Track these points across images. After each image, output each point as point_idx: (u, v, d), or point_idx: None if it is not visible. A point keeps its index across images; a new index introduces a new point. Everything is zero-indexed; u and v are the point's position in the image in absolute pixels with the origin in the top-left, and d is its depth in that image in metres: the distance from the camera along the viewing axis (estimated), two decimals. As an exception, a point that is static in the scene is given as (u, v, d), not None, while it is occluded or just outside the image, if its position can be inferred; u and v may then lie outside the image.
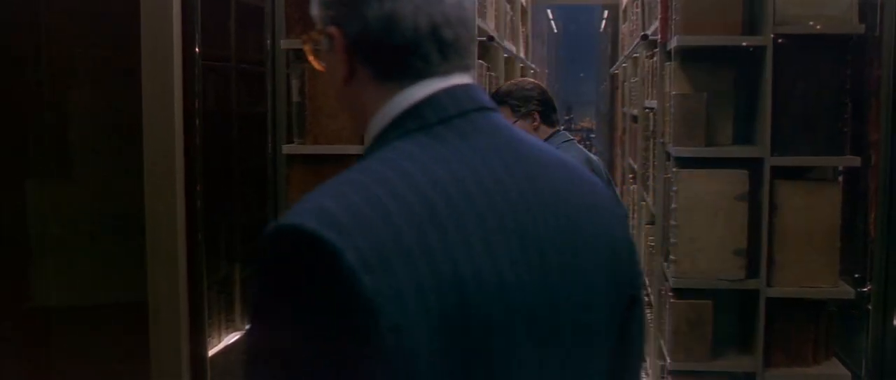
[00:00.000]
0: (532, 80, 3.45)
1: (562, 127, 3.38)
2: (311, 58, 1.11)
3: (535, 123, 3.33)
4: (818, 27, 3.57)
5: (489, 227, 0.95)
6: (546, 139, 3.33)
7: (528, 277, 0.98)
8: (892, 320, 3.44)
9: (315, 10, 1.09)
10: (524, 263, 0.97)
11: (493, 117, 1.06)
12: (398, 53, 1.03)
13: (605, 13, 14.37)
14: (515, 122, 3.28)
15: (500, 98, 3.33)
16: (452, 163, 0.98)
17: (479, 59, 4.03)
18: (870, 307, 3.59)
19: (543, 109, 3.34)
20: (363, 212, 0.90)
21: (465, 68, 1.06)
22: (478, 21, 3.98)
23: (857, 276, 3.90)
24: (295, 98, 3.54)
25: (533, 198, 1.01)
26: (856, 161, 3.64)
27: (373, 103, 1.07)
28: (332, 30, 1.05)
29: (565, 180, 1.07)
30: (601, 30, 16.37)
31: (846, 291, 3.65)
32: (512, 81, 3.47)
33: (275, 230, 0.90)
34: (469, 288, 0.91)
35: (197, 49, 2.50)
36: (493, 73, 4.92)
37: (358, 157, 1.15)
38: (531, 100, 3.31)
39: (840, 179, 3.85)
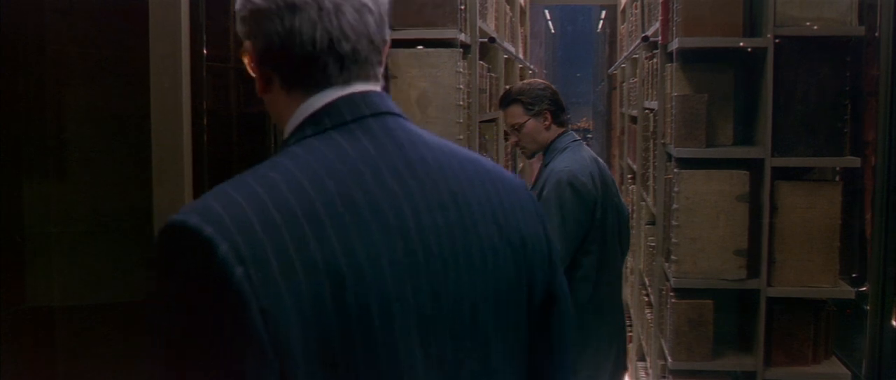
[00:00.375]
0: (542, 80, 3.49)
1: (570, 127, 3.39)
2: (247, 67, 1.19)
3: (547, 123, 3.35)
4: (816, 28, 3.59)
5: (369, 223, 1.04)
6: (556, 139, 3.36)
7: (410, 270, 1.06)
8: (889, 320, 3.46)
9: (238, 26, 1.18)
10: (406, 257, 1.06)
11: (390, 122, 1.14)
12: (299, 65, 1.12)
13: (603, 14, 14.40)
14: (527, 120, 3.33)
15: (512, 97, 3.36)
16: (336, 164, 1.06)
17: (480, 60, 4.06)
18: (867, 307, 3.61)
19: (555, 109, 3.36)
20: (242, 209, 1.00)
21: (366, 77, 1.15)
22: (479, 23, 4.00)
23: (854, 275, 3.93)
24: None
25: (420, 197, 1.09)
26: (856, 162, 3.67)
27: (285, 110, 1.16)
28: (247, 44, 1.16)
29: (465, 182, 1.15)
30: (598, 30, 16.40)
31: (846, 290, 3.68)
32: (524, 81, 3.51)
33: (166, 226, 1.00)
34: (345, 277, 1.00)
35: (204, 50, 2.52)
36: (493, 74, 4.94)
37: None
38: (544, 100, 3.34)
39: (837, 178, 3.88)
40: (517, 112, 3.35)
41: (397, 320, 1.04)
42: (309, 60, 1.11)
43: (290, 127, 1.15)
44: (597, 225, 3.24)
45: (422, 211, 1.09)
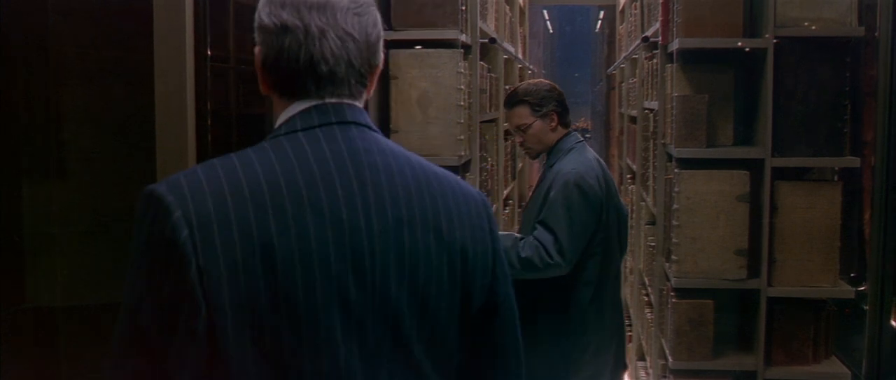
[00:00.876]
0: (548, 81, 3.49)
1: (575, 131, 3.45)
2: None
3: (553, 124, 3.35)
4: (816, 29, 3.60)
5: (305, 210, 1.22)
6: (560, 140, 3.36)
7: (337, 257, 1.23)
8: (888, 320, 3.47)
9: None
10: (335, 246, 1.23)
11: (354, 130, 1.31)
12: (285, 77, 1.31)
13: (601, 14, 14.41)
14: (534, 122, 3.33)
15: (519, 98, 3.36)
16: (292, 159, 1.25)
17: (480, 60, 4.06)
18: (867, 307, 3.62)
19: (561, 110, 3.37)
20: (201, 184, 1.21)
21: (340, 95, 1.32)
22: (480, 23, 4.01)
23: (852, 275, 3.94)
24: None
25: (360, 198, 1.26)
26: (855, 162, 3.68)
27: (277, 110, 1.36)
28: (256, 49, 1.35)
29: (412, 191, 1.29)
30: (596, 30, 16.41)
31: (846, 290, 3.69)
32: (529, 82, 3.50)
33: (144, 191, 1.24)
34: (275, 251, 1.20)
35: (208, 51, 2.52)
36: (493, 75, 4.94)
37: None
38: (551, 101, 3.35)
39: (835, 178, 3.89)
40: (524, 113, 3.35)
41: (320, 298, 1.22)
42: (293, 74, 1.30)
43: (276, 125, 1.34)
44: (601, 226, 3.25)
45: (358, 209, 1.25)
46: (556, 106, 3.35)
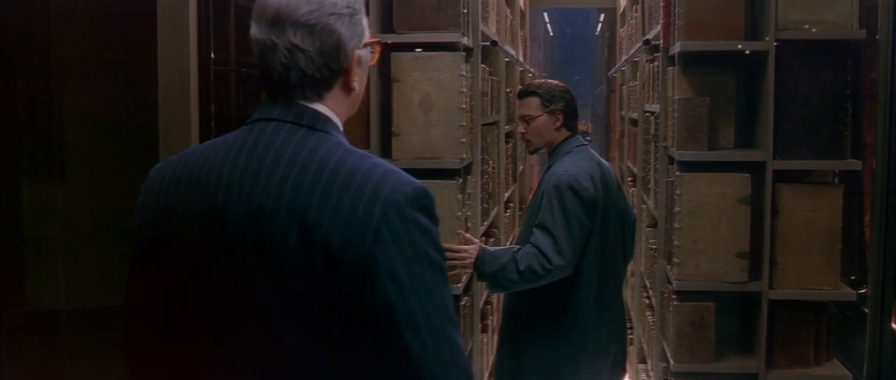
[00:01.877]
0: (564, 85, 3.54)
1: (579, 134, 3.53)
2: None
3: (558, 124, 3.41)
4: (817, 32, 3.61)
5: (195, 191, 1.47)
6: (562, 142, 3.41)
7: (205, 232, 1.45)
8: (889, 322, 3.47)
9: None
10: (206, 220, 1.45)
11: (272, 126, 1.49)
12: (260, 82, 1.56)
13: (602, 17, 14.42)
14: (540, 115, 3.39)
15: (532, 89, 3.44)
16: (217, 147, 1.51)
17: (481, 63, 4.06)
18: (867, 309, 3.62)
19: (568, 112, 3.43)
20: (165, 164, 1.55)
21: (292, 97, 1.51)
22: (481, 26, 4.01)
23: (853, 278, 3.94)
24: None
25: (238, 184, 1.44)
26: (856, 165, 3.68)
27: None
28: None
29: (289, 183, 1.42)
30: (597, 33, 16.42)
31: (847, 292, 3.69)
32: (546, 79, 3.56)
33: None
34: (167, 219, 1.50)
35: (212, 54, 2.53)
36: (494, 77, 4.95)
37: None
38: (560, 100, 3.41)
39: (836, 181, 3.89)
40: (533, 104, 3.40)
41: (190, 263, 1.48)
42: (260, 79, 1.54)
43: None
44: (598, 226, 3.28)
45: (232, 194, 1.44)
46: (564, 107, 3.40)
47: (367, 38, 1.57)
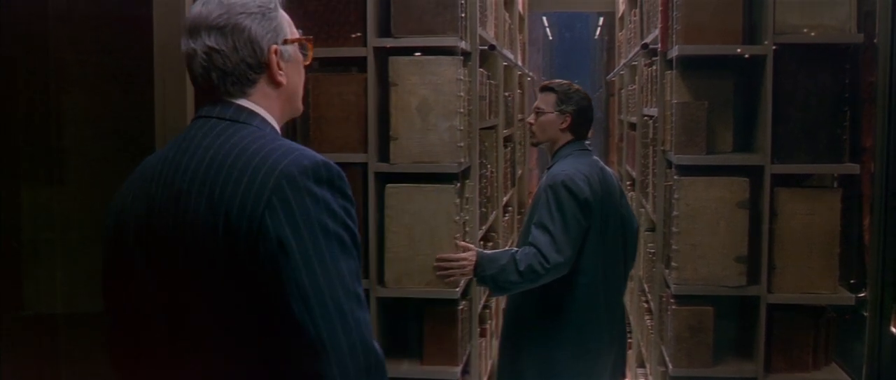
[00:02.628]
0: (585, 92, 3.64)
1: (586, 141, 3.63)
2: None
3: (564, 125, 3.51)
4: (815, 36, 3.61)
5: (144, 186, 1.59)
6: (566, 145, 3.52)
7: (146, 220, 1.57)
8: (888, 326, 3.46)
9: None
10: (146, 211, 1.57)
11: (201, 122, 1.60)
12: None
13: (601, 21, 14.42)
14: (550, 112, 3.52)
15: (552, 87, 3.57)
16: (165, 149, 1.62)
17: (479, 67, 4.06)
18: (866, 313, 3.61)
19: (578, 118, 3.52)
20: (134, 171, 1.66)
21: (219, 94, 1.61)
22: (479, 30, 4.01)
23: (852, 281, 3.93)
24: (298, 106, 3.56)
25: (170, 175, 1.55)
26: (855, 169, 3.68)
27: None
28: None
29: (204, 165, 1.52)
30: (596, 37, 16.42)
31: (846, 296, 3.69)
32: (570, 82, 3.67)
33: None
34: (121, 221, 1.62)
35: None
36: (493, 81, 4.94)
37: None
38: (573, 104, 3.51)
39: (835, 185, 3.89)
40: (549, 100, 3.54)
41: (134, 258, 1.58)
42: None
43: None
44: (596, 228, 3.32)
45: (162, 184, 1.56)
46: (574, 111, 3.50)
47: (287, 34, 1.65)
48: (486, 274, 3.34)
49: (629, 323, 5.89)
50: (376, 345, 1.49)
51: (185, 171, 1.54)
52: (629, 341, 5.80)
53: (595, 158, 3.55)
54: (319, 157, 1.51)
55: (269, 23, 1.62)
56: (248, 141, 1.54)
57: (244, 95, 1.62)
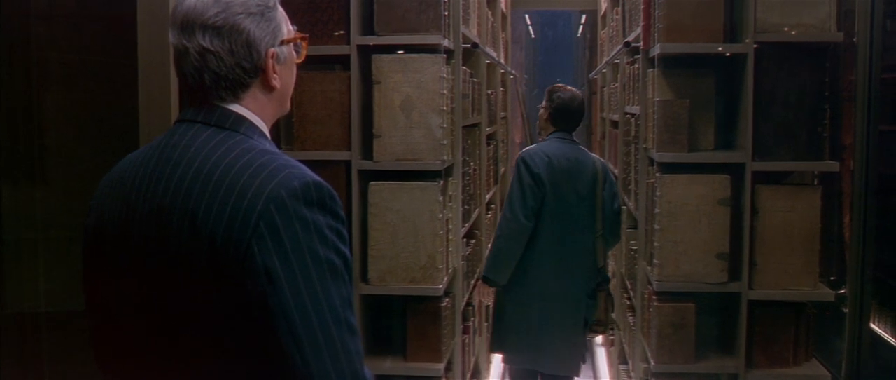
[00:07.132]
0: (579, 94, 4.54)
1: (571, 133, 4.53)
2: None
3: (543, 118, 4.50)
4: (795, 34, 3.64)
5: (123, 190, 1.52)
6: (550, 134, 4.46)
7: (123, 228, 1.49)
8: (867, 322, 3.50)
9: None
10: (124, 218, 1.50)
11: (184, 127, 1.52)
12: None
13: (583, 19, 14.45)
14: (542, 108, 4.52)
15: (548, 89, 4.53)
16: (142, 152, 1.56)
17: (462, 65, 4.07)
18: (846, 309, 3.65)
19: (555, 113, 4.45)
20: (112, 171, 1.59)
21: (208, 98, 1.52)
22: (462, 28, 4.02)
23: (832, 278, 3.96)
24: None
25: (150, 184, 1.48)
26: (835, 166, 3.71)
27: None
28: None
29: (187, 181, 1.44)
30: (578, 35, 16.46)
31: (826, 293, 3.72)
32: (565, 86, 4.57)
33: None
34: (99, 225, 1.55)
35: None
36: (476, 80, 4.96)
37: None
38: (552, 100, 4.46)
39: (815, 182, 3.92)
40: (544, 99, 4.53)
41: (112, 265, 1.52)
42: (180, 84, 1.58)
43: None
44: (551, 199, 4.25)
45: (141, 194, 1.48)
46: (551, 107, 4.46)
47: (284, 35, 1.57)
48: (489, 270, 4.32)
49: (614, 321, 5.91)
50: (368, 373, 1.43)
51: (168, 182, 1.45)
52: (611, 337, 5.84)
53: (573, 145, 4.40)
54: (309, 175, 1.43)
55: (267, 24, 1.53)
56: (235, 155, 1.45)
57: (235, 99, 1.53)
